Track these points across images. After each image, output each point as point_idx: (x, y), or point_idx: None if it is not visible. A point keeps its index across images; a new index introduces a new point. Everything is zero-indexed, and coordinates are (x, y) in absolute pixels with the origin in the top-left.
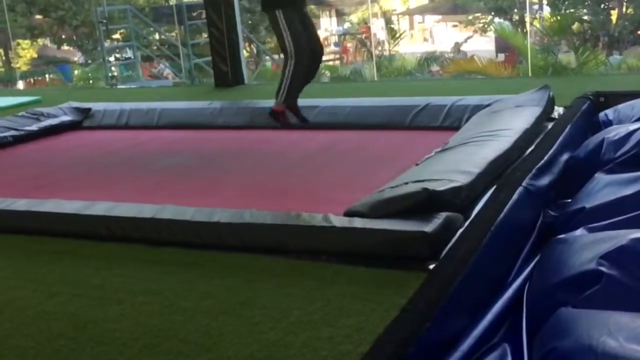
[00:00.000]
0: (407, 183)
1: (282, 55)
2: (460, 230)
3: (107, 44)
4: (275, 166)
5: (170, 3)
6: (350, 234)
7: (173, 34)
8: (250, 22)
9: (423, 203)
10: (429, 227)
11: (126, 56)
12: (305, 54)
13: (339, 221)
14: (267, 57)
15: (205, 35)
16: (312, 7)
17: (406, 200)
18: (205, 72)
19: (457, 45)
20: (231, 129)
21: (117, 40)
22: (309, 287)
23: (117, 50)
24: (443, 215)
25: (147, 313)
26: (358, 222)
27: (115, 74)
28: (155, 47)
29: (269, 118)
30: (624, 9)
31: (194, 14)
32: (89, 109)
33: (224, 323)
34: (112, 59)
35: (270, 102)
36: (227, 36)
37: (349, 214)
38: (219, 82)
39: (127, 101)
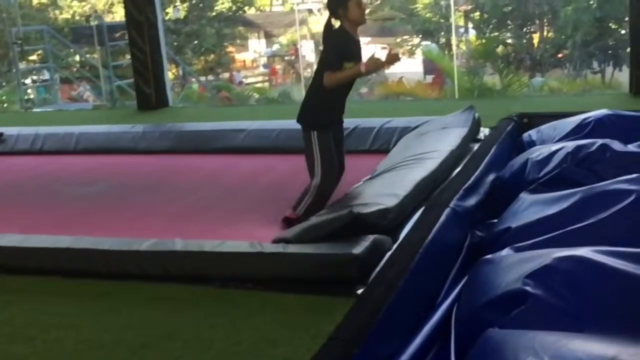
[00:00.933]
0: (334, 208)
1: (209, 77)
2: (389, 253)
3: (22, 65)
4: (202, 192)
5: (91, 24)
6: (278, 260)
7: (94, 55)
8: (175, 43)
9: (350, 226)
10: (357, 250)
11: (43, 78)
12: (332, 178)
13: (266, 247)
14: (194, 79)
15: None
16: (241, 28)
17: (333, 224)
18: (127, 95)
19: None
20: (155, 154)
21: (34, 61)
22: (235, 316)
23: (34, 72)
24: (371, 237)
25: (60, 349)
26: (286, 248)
27: (32, 96)
28: (74, 69)
29: (282, 222)
30: (545, 33)
31: (116, 35)
32: (1, 134)
33: (144, 357)
34: (28, 81)
35: (198, 125)
36: (151, 58)
37: (277, 240)
38: (141, 105)
39: (43, 125)
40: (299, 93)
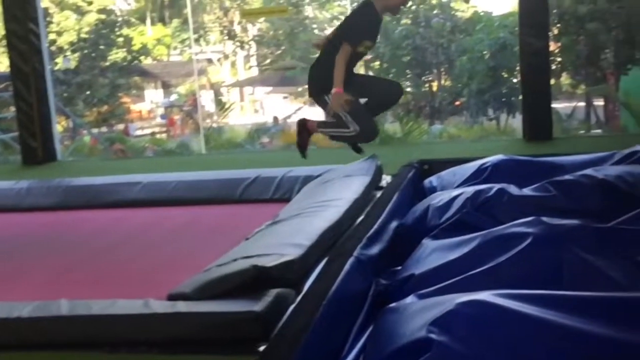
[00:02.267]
0: (235, 260)
1: (103, 129)
2: (292, 307)
3: None
4: (91, 249)
5: None
6: (173, 320)
7: None
8: (65, 94)
9: (252, 281)
10: (258, 307)
11: None
12: (371, 129)
13: (161, 306)
14: (85, 132)
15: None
16: (136, 78)
17: (234, 278)
18: (12, 149)
19: (277, 119)
20: (41, 211)
21: None
22: None
23: None
24: (274, 292)
25: None
26: (182, 306)
27: None
28: None
29: (297, 124)
30: (443, 82)
31: (0, 87)
32: None
33: None
34: None
35: (89, 179)
36: (38, 109)
37: (173, 297)
38: (27, 160)
39: None
40: (198, 144)
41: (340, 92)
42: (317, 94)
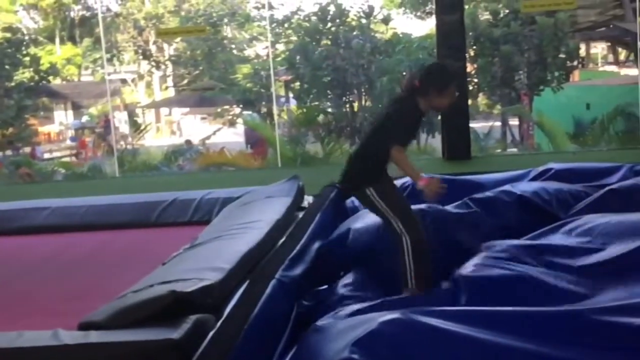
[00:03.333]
0: (152, 286)
1: (7, 152)
2: (212, 332)
3: None
4: None
5: None
6: (84, 351)
7: None
8: None
9: (171, 307)
10: (176, 334)
11: None
12: (419, 223)
13: (71, 337)
14: None
15: None
16: (45, 99)
17: (150, 305)
18: None
19: (190, 142)
20: None
21: None
22: None
23: None
24: (192, 318)
25: None
26: (94, 336)
27: None
28: None
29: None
30: (363, 102)
31: None
32: None
33: None
34: None
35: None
36: None
37: (84, 326)
38: None
39: None
40: (111, 167)
41: (428, 179)
42: (356, 189)
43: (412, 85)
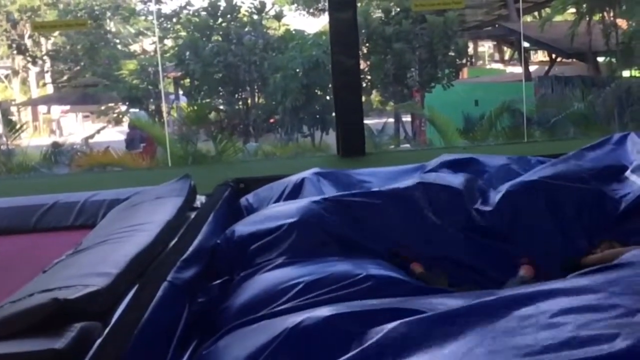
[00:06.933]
0: (32, 295)
1: None
2: (99, 340)
3: None
4: None
5: None
6: None
7: None
8: None
9: (54, 316)
10: (59, 343)
11: None
12: None
13: None
14: None
15: None
16: None
17: (31, 315)
18: None
19: (57, 144)
20: None
21: None
22: None
23: None
24: (77, 326)
25: None
26: None
27: None
28: None
29: None
30: (256, 99)
31: None
32: None
33: None
34: None
35: None
36: None
37: None
38: None
39: None
40: None
41: None
42: None
43: None
